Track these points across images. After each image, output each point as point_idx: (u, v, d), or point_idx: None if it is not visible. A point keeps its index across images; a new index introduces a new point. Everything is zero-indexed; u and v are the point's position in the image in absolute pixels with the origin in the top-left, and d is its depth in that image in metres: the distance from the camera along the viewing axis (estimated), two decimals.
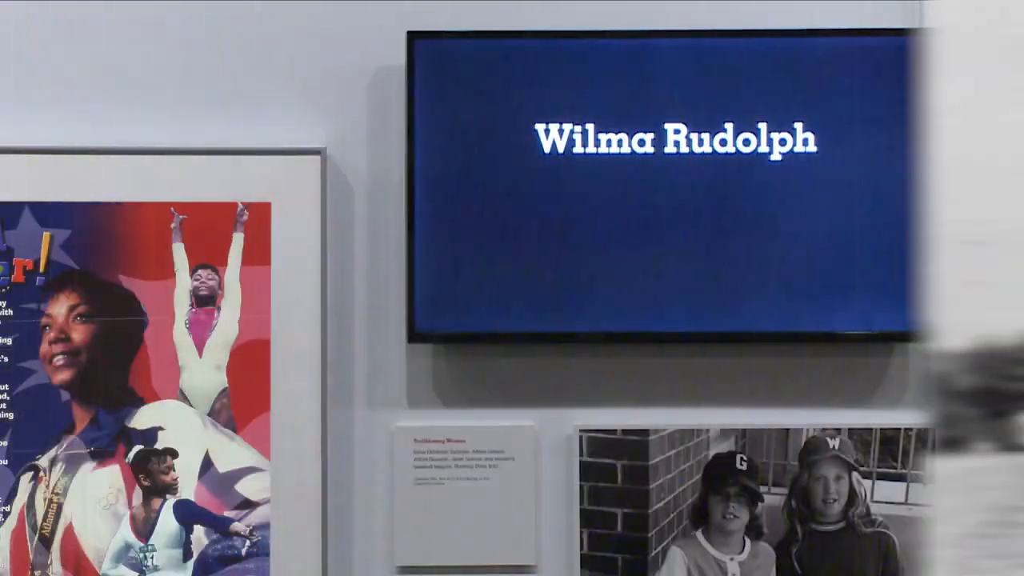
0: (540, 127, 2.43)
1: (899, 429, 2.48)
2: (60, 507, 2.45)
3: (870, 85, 2.42)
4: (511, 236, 2.43)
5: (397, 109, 2.48)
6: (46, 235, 2.44)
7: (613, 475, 2.47)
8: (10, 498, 2.45)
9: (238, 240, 2.45)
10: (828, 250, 2.43)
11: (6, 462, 2.45)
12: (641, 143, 2.43)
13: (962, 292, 0.93)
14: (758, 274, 2.43)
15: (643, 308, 2.43)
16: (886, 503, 2.48)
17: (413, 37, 2.41)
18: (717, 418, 2.51)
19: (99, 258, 2.44)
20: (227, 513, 2.45)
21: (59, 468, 2.45)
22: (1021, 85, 0.94)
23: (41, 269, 2.44)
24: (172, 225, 2.45)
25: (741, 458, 2.48)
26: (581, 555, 2.48)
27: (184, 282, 2.45)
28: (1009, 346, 0.92)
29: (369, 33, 2.50)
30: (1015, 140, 0.94)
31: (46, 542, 2.45)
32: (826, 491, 2.48)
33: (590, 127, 2.43)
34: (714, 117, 2.43)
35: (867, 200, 2.43)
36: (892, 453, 2.48)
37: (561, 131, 2.43)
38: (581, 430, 2.48)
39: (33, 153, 2.44)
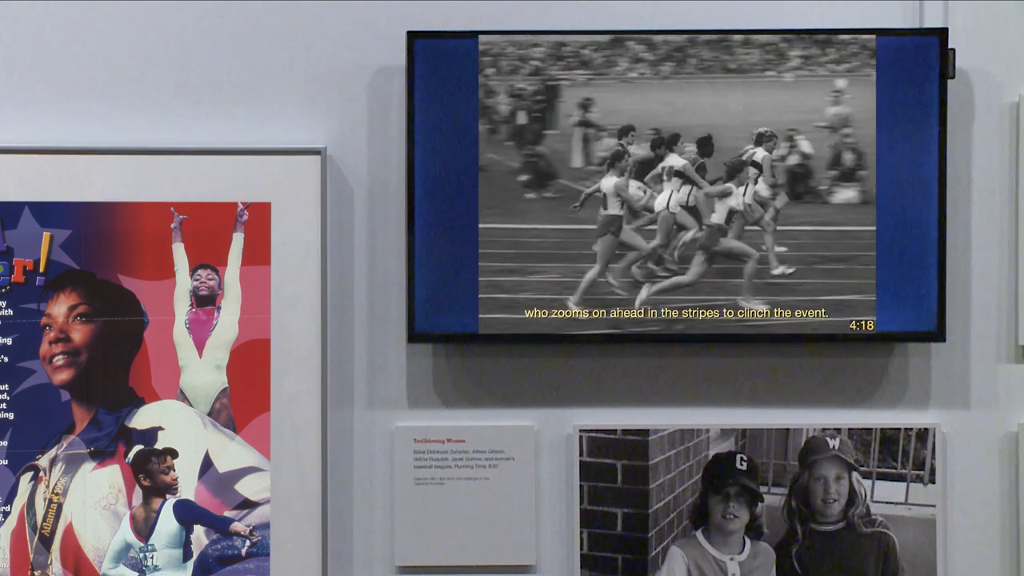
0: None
1: (899, 429, 2.49)
2: (60, 507, 2.45)
3: (870, 85, 2.42)
4: (511, 235, 2.43)
5: (397, 109, 2.48)
6: (46, 235, 2.44)
7: (613, 475, 2.47)
8: (10, 498, 2.45)
9: (238, 240, 2.45)
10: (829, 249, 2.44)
11: (6, 462, 2.45)
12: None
13: None
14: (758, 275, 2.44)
15: (643, 307, 2.43)
16: (886, 503, 2.48)
17: (413, 37, 2.41)
18: (717, 418, 2.51)
19: (99, 258, 2.44)
20: (227, 513, 2.45)
21: (59, 468, 2.45)
22: None
23: (41, 269, 2.44)
24: (172, 225, 2.45)
25: (741, 458, 2.48)
26: (581, 555, 2.48)
27: (184, 282, 2.45)
28: None
29: (369, 33, 2.50)
30: None
31: (46, 542, 2.45)
32: (826, 491, 2.48)
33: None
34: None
35: (868, 200, 2.43)
36: (892, 453, 2.48)
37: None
38: (581, 430, 2.48)
39: (33, 153, 2.44)
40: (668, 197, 2.44)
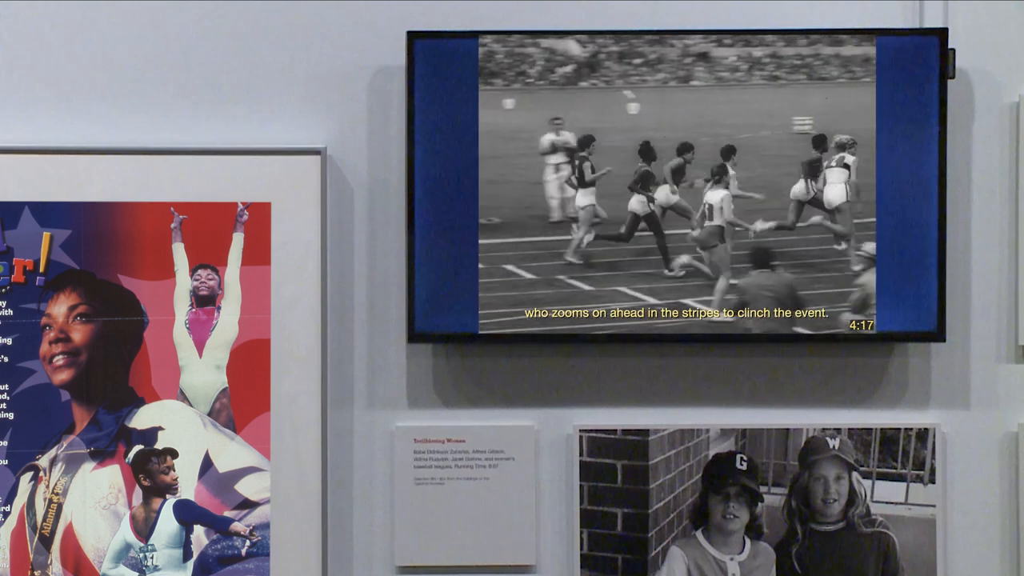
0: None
1: (899, 429, 2.49)
2: (60, 507, 2.45)
3: (869, 85, 2.42)
4: (510, 236, 2.43)
5: (397, 109, 2.48)
6: (46, 235, 2.44)
7: (613, 475, 2.47)
8: (10, 498, 2.45)
9: (238, 240, 2.45)
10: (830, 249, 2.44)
11: (6, 462, 2.45)
12: None
13: None
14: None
15: (643, 306, 2.43)
16: (886, 503, 2.48)
17: (413, 37, 2.41)
18: (717, 418, 2.51)
19: (99, 258, 2.44)
20: (227, 513, 2.45)
21: (59, 468, 2.45)
22: None
23: (41, 269, 2.44)
24: (172, 225, 2.45)
25: (741, 458, 2.48)
26: (581, 555, 2.48)
27: (184, 282, 2.45)
28: None
29: (369, 33, 2.50)
30: None
31: (46, 542, 2.45)
32: (826, 491, 2.48)
33: None
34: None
35: (868, 200, 2.43)
36: (892, 453, 2.48)
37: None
38: (581, 430, 2.48)
39: (33, 153, 2.44)
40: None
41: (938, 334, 2.44)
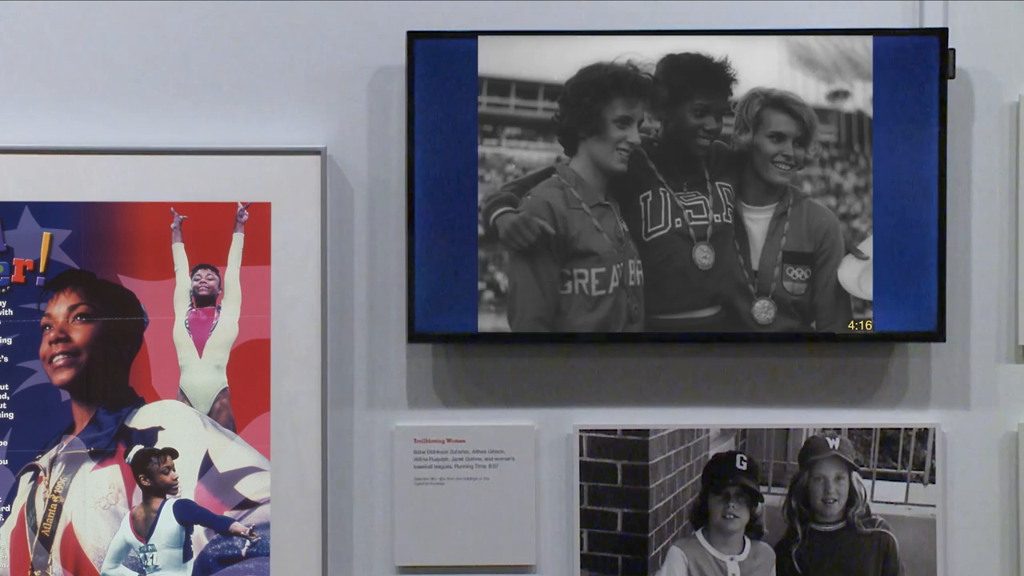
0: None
1: (899, 429, 2.49)
2: (60, 507, 2.45)
3: (868, 85, 2.42)
4: (510, 235, 2.43)
5: (397, 109, 2.49)
6: (46, 235, 2.44)
7: (613, 475, 2.47)
8: (10, 498, 2.45)
9: (238, 240, 2.45)
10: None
11: (6, 462, 2.45)
12: None
13: None
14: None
15: (642, 307, 2.43)
16: (886, 503, 2.48)
17: (413, 37, 2.41)
18: (717, 418, 2.51)
19: (99, 258, 2.44)
20: (227, 513, 2.45)
21: (59, 468, 2.45)
22: None
23: (41, 269, 2.44)
24: (172, 225, 2.45)
25: (741, 458, 2.48)
26: (581, 555, 2.48)
27: (184, 282, 2.45)
28: None
29: (369, 33, 2.50)
30: None
31: (46, 542, 2.45)
32: (826, 491, 2.48)
33: None
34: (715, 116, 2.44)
35: (868, 200, 2.43)
36: (892, 453, 2.48)
37: None
38: (581, 430, 2.48)
39: (33, 153, 2.44)
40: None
41: (938, 334, 2.44)
